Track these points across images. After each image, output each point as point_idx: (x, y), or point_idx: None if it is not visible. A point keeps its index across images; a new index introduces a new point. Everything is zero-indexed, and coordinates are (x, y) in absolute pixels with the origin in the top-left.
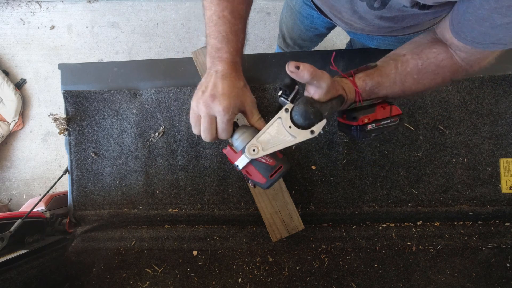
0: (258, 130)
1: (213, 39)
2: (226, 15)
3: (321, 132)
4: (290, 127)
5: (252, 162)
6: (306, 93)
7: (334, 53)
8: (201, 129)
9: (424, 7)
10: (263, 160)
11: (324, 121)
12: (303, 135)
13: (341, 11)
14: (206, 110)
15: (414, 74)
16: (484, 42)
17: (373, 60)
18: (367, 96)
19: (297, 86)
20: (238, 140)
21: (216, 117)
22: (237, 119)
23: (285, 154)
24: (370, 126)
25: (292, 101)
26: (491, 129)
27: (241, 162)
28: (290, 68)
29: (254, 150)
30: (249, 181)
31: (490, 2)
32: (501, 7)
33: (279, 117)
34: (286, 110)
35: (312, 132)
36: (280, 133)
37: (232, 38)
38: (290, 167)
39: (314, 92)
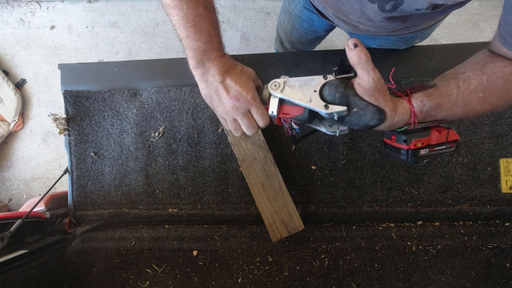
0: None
1: (195, 41)
2: (202, 11)
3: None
4: (315, 91)
5: (283, 102)
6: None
7: (393, 68)
8: (244, 129)
9: (436, 6)
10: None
11: (343, 108)
12: (317, 104)
13: (349, 13)
14: (239, 111)
15: (479, 92)
16: None
17: (374, 60)
18: (422, 118)
19: (352, 73)
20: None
21: (250, 111)
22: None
23: (285, 154)
24: (423, 151)
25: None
26: (491, 129)
27: (273, 105)
28: (349, 42)
29: (275, 86)
30: (290, 126)
31: None
32: None
33: (313, 79)
34: (325, 77)
35: (326, 107)
36: (304, 89)
37: (213, 33)
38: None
39: (357, 84)
